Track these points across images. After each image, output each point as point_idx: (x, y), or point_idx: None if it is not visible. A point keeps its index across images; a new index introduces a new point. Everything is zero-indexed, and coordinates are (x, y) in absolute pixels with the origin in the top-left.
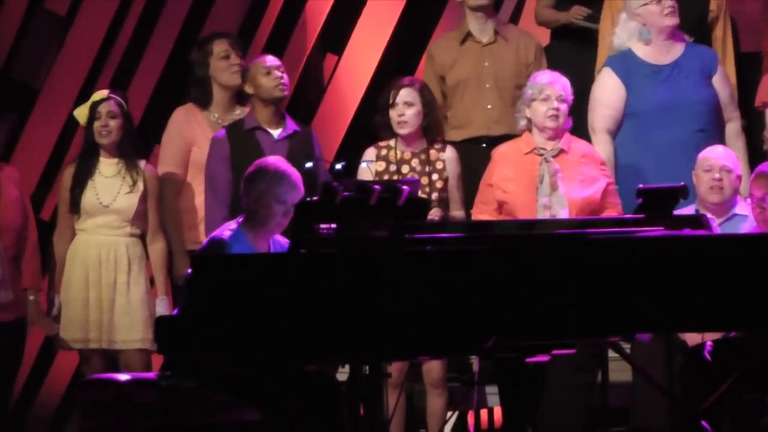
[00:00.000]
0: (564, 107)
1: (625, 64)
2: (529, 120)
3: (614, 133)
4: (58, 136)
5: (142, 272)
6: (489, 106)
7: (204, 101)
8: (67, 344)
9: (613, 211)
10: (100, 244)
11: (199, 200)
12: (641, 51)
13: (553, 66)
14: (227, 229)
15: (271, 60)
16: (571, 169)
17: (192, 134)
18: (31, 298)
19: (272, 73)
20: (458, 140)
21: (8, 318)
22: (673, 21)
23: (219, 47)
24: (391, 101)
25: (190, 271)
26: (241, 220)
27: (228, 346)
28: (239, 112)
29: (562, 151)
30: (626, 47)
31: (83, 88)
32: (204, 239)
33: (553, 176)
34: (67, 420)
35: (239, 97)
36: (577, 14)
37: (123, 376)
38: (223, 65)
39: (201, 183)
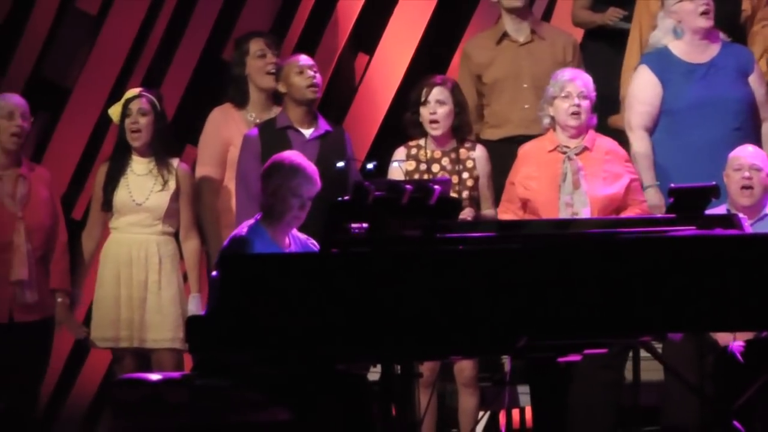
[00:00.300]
0: (586, 104)
1: (661, 61)
2: (553, 118)
3: (651, 131)
4: (90, 135)
5: (175, 271)
6: (526, 106)
7: (241, 101)
8: (98, 343)
9: (636, 208)
10: (131, 243)
11: None
12: (677, 49)
13: (586, 66)
14: (246, 226)
15: (304, 59)
16: (594, 166)
17: (229, 134)
18: (60, 299)
19: (305, 72)
20: (494, 139)
21: (34, 318)
22: (707, 23)
23: (255, 46)
24: (422, 99)
25: (214, 273)
26: (259, 216)
27: (258, 346)
28: (276, 112)
29: (585, 148)
30: (662, 45)
31: (115, 87)
32: None
33: (576, 174)
34: (99, 419)
35: (277, 96)
36: (612, 16)
37: (154, 376)
38: (259, 64)
39: None
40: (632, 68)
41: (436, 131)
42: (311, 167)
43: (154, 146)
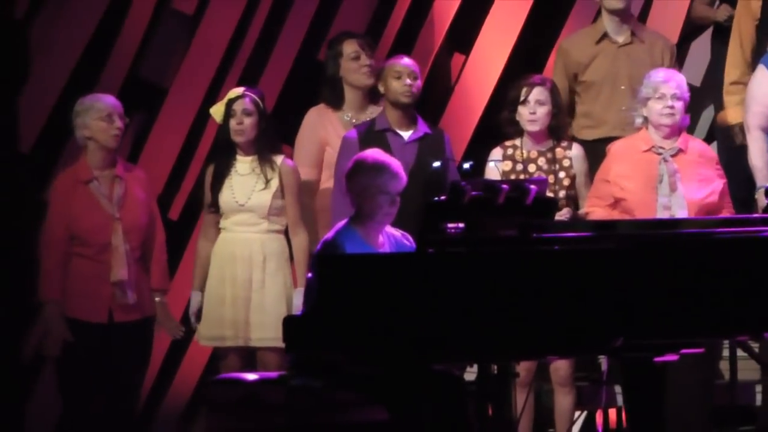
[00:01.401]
0: (679, 105)
1: None
2: (646, 118)
3: None
4: (187, 135)
5: (281, 269)
6: (623, 108)
7: (336, 102)
8: (204, 341)
9: (726, 212)
10: (236, 242)
11: None
12: None
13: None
14: (335, 229)
15: (404, 63)
16: (689, 169)
17: (325, 135)
18: (158, 299)
19: (402, 78)
20: (590, 139)
21: (133, 318)
22: None
23: (349, 48)
24: (522, 98)
25: (309, 275)
26: (349, 218)
27: (354, 346)
28: (371, 111)
29: (680, 150)
30: None
31: (211, 87)
32: None
33: (672, 176)
34: (196, 418)
35: (372, 95)
36: (723, 14)
37: (250, 376)
38: (353, 66)
39: None
40: (732, 66)
41: (533, 127)
42: (395, 162)
43: (257, 145)
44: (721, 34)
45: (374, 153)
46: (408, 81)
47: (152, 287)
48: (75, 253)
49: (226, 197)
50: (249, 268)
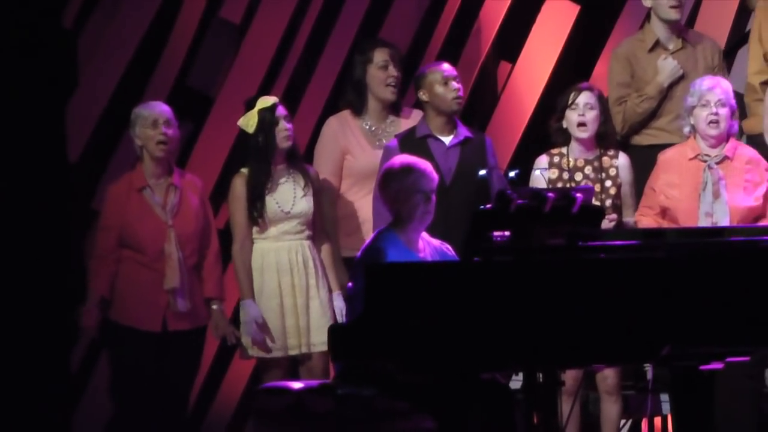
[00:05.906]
0: (724, 111)
1: None
2: (693, 126)
3: None
4: (233, 144)
5: (323, 273)
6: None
7: (359, 107)
8: (255, 352)
9: None
10: (290, 250)
11: (357, 206)
12: None
13: None
14: (376, 235)
15: (448, 70)
16: (735, 176)
17: (346, 142)
18: (215, 307)
19: (449, 84)
20: (645, 144)
21: (185, 327)
22: None
23: (379, 56)
24: (570, 102)
25: (349, 285)
26: (387, 225)
27: (401, 355)
28: (392, 121)
29: (726, 157)
30: None
31: (257, 95)
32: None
33: (716, 183)
34: (243, 428)
35: (393, 106)
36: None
37: (297, 384)
38: (380, 75)
39: (358, 191)
40: (754, 73)
41: (583, 134)
42: (423, 162)
43: (292, 153)
44: None
45: (400, 157)
46: (455, 84)
47: (206, 295)
48: (130, 259)
49: (271, 206)
50: (305, 274)
